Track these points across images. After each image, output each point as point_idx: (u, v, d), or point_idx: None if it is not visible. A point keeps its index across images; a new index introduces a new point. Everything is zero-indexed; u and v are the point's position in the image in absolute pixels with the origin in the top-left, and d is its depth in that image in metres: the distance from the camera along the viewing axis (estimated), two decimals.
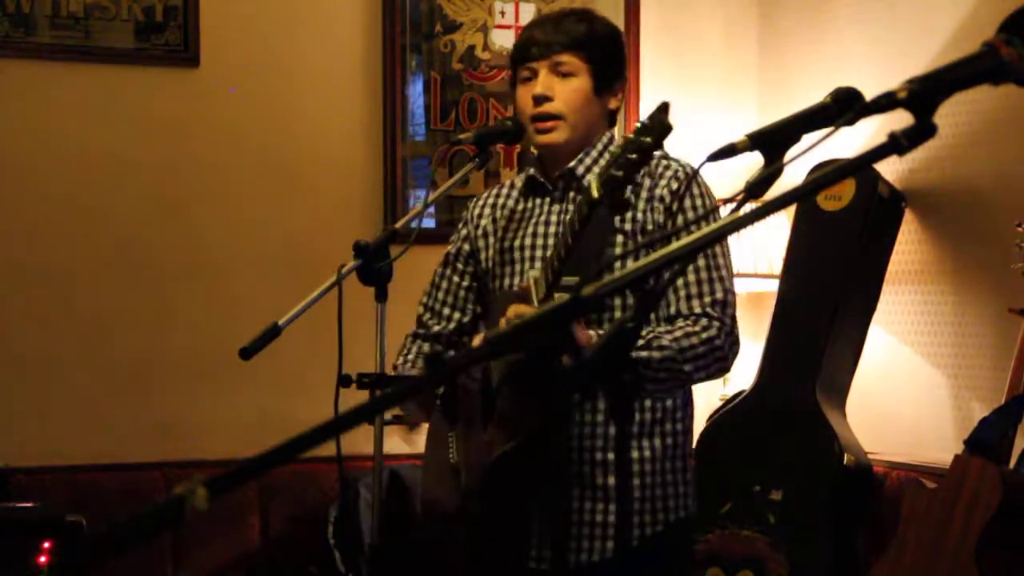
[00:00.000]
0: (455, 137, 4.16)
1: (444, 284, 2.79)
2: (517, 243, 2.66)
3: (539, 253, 2.62)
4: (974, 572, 3.23)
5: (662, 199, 2.55)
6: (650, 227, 2.55)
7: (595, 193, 2.31)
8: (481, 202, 2.80)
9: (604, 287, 1.23)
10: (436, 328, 2.78)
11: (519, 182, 2.75)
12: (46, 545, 3.23)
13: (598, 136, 2.64)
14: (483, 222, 2.75)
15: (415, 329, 2.83)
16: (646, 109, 4.70)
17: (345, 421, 1.14)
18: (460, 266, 2.77)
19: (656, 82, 4.76)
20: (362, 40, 4.46)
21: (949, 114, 3.82)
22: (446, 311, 2.78)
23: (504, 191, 2.78)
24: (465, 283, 2.77)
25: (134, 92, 4.23)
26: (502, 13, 4.60)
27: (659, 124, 2.26)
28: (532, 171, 2.69)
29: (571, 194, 2.62)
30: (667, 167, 2.59)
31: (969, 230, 3.95)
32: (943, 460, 3.50)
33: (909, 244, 4.12)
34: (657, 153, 2.34)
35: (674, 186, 2.56)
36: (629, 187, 2.32)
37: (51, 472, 3.96)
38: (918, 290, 4.11)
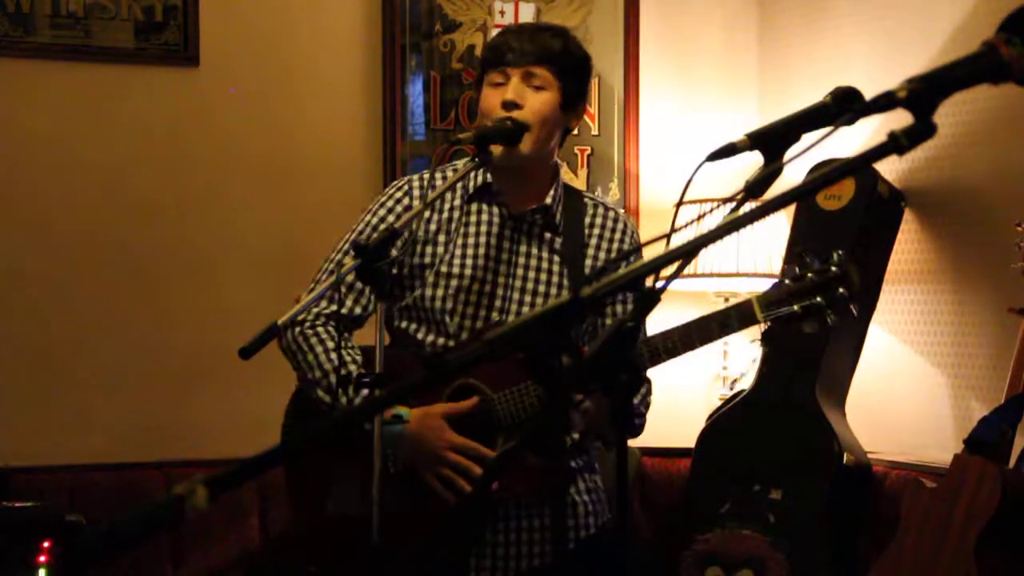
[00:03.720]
0: (455, 136, 4.16)
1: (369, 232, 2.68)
2: (500, 280, 2.66)
3: (528, 299, 2.65)
4: (974, 572, 3.23)
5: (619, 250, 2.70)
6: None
7: (759, 317, 2.34)
8: (422, 187, 2.70)
9: (603, 288, 1.22)
10: (331, 309, 2.66)
11: (470, 184, 2.70)
12: (46, 545, 3.23)
13: (555, 155, 2.70)
14: (434, 216, 2.69)
15: (313, 305, 2.63)
16: (646, 109, 4.72)
17: (345, 421, 1.13)
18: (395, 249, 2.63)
19: (656, 82, 4.76)
20: (362, 40, 4.45)
21: (949, 114, 3.82)
22: (355, 294, 2.67)
23: (450, 196, 2.72)
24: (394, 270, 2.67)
25: (134, 92, 4.23)
26: (502, 13, 4.60)
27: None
28: (488, 178, 2.69)
29: (547, 235, 2.68)
30: (611, 216, 2.75)
31: (969, 230, 3.95)
32: (943, 460, 3.50)
33: (909, 244, 4.12)
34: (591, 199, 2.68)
35: (625, 249, 2.73)
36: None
37: (51, 472, 3.95)
38: (918, 290, 4.10)
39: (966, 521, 3.27)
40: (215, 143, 4.31)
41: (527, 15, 4.58)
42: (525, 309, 2.65)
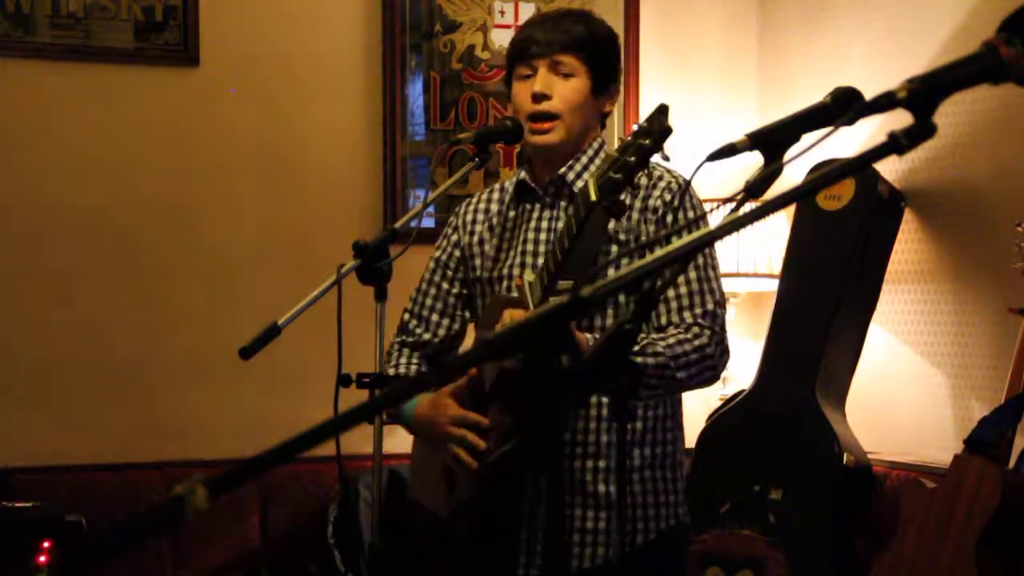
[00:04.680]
0: (455, 137, 4.16)
1: (433, 291, 2.75)
2: (510, 251, 2.64)
3: (529, 260, 2.60)
4: (974, 572, 3.23)
5: (655, 210, 2.56)
6: (643, 237, 2.54)
7: (593, 196, 2.30)
8: (472, 207, 2.75)
9: (603, 288, 1.22)
10: (424, 336, 2.74)
11: (510, 187, 2.71)
12: (46, 545, 3.23)
13: (590, 139, 2.64)
14: (478, 228, 2.71)
15: (400, 337, 2.77)
16: (646, 109, 4.71)
17: (345, 421, 1.13)
18: (450, 272, 2.73)
19: (656, 82, 4.76)
20: (362, 40, 4.45)
21: (949, 114, 3.82)
22: (435, 317, 2.74)
23: (496, 196, 2.74)
24: (455, 290, 2.73)
25: (134, 92, 4.23)
26: (502, 13, 4.60)
27: (658, 126, 2.25)
28: (523, 175, 2.66)
29: (562, 202, 2.61)
30: (660, 177, 2.59)
31: (969, 230, 3.95)
32: (943, 460, 3.50)
33: (909, 244, 4.12)
34: (653, 159, 2.33)
35: (667, 197, 2.56)
36: (627, 190, 2.32)
37: (51, 472, 3.96)
38: (918, 290, 4.11)
39: (966, 521, 3.28)
40: (215, 143, 4.30)
41: (527, 15, 4.57)
42: (519, 273, 2.61)
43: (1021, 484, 3.29)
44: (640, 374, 2.39)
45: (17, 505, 3.46)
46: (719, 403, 4.33)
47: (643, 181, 2.55)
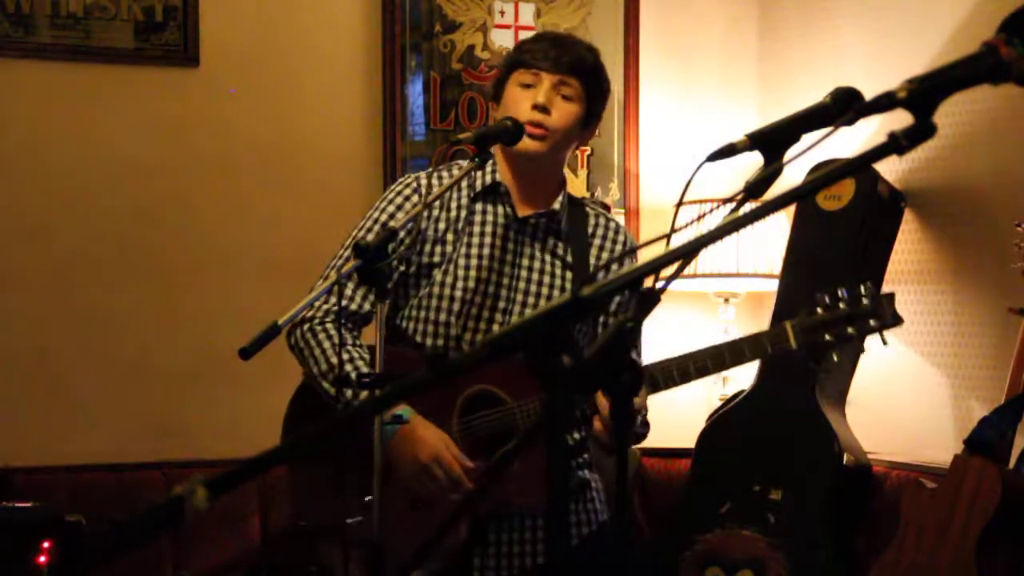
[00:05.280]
0: (455, 137, 4.15)
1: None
2: (504, 282, 2.67)
3: (531, 300, 2.66)
4: (974, 572, 3.23)
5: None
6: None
7: (792, 344, 2.35)
8: (432, 183, 2.70)
9: (603, 288, 1.22)
10: (350, 307, 2.66)
11: (476, 183, 2.70)
12: (46, 545, 3.23)
13: (562, 165, 2.73)
14: (435, 212, 2.68)
15: (319, 302, 2.64)
16: (646, 109, 4.72)
17: (345, 421, 1.13)
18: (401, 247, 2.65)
19: (656, 82, 4.76)
20: (362, 40, 4.46)
21: (949, 114, 3.82)
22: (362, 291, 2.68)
23: (455, 191, 2.71)
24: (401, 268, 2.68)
25: (134, 92, 4.23)
26: (502, 13, 4.60)
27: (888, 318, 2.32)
28: (497, 178, 2.69)
29: (551, 240, 2.69)
30: (618, 230, 2.79)
31: (969, 230, 3.95)
32: (943, 460, 3.50)
33: (909, 244, 4.12)
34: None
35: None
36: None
37: (51, 472, 3.96)
38: (918, 290, 4.10)
39: (966, 521, 3.27)
40: (215, 143, 4.30)
41: (527, 15, 4.58)
42: (528, 311, 2.66)
43: (1021, 484, 3.28)
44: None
45: (17, 505, 3.46)
46: (719, 403, 4.33)
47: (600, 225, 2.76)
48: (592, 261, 2.71)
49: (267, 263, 4.30)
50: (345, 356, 2.60)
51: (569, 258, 2.69)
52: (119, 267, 4.20)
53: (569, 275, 2.67)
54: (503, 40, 4.56)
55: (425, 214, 2.69)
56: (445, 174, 2.73)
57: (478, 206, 2.70)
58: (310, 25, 4.41)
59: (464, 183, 2.72)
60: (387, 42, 4.45)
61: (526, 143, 2.60)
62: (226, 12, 4.31)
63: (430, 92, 4.53)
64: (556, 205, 2.69)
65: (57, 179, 4.15)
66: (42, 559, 3.21)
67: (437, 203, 2.70)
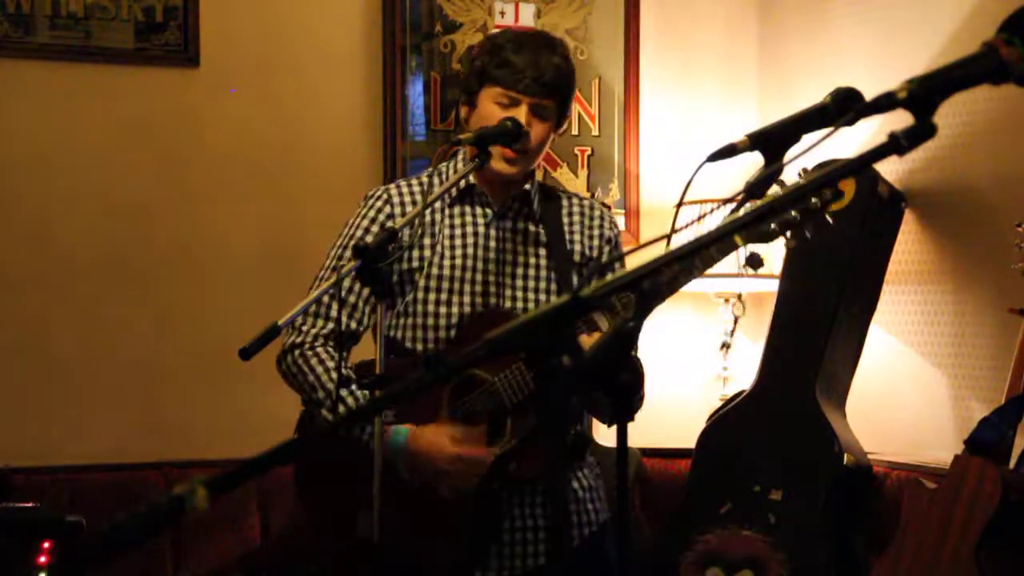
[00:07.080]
0: (455, 137, 4.16)
1: (357, 287, 2.67)
2: (491, 279, 2.68)
3: (519, 295, 2.68)
4: (974, 572, 3.23)
5: (609, 240, 2.77)
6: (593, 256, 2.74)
7: (740, 243, 2.34)
8: (401, 195, 2.72)
9: (603, 287, 1.22)
10: (328, 328, 2.65)
11: (453, 189, 2.71)
12: (46, 545, 3.23)
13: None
14: (416, 220, 2.67)
15: (305, 327, 2.64)
16: (646, 109, 4.72)
17: (345, 421, 1.13)
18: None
19: (656, 82, 4.76)
20: (362, 40, 4.45)
21: (949, 114, 3.82)
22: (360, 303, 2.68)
23: (438, 205, 2.72)
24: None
25: (134, 92, 4.23)
26: (502, 13, 4.60)
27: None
28: (473, 181, 2.71)
29: (529, 227, 2.72)
30: (594, 208, 2.80)
31: (969, 230, 3.95)
32: (943, 460, 3.50)
33: (909, 244, 4.12)
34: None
35: (612, 232, 2.78)
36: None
37: (51, 472, 3.95)
38: (918, 290, 4.10)
39: (966, 521, 3.28)
40: (215, 144, 4.30)
41: (527, 15, 4.58)
42: (519, 305, 2.66)
43: (1021, 484, 3.28)
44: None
45: (17, 505, 3.46)
46: (719, 403, 4.34)
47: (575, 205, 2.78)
48: (576, 248, 2.72)
49: (268, 263, 4.30)
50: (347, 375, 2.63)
51: (544, 238, 2.70)
52: (119, 267, 4.20)
53: (553, 263, 2.69)
54: None
55: (401, 220, 2.69)
56: (415, 181, 2.77)
57: (456, 209, 2.72)
58: (310, 26, 4.41)
59: (437, 187, 2.72)
60: (387, 42, 4.45)
61: (503, 166, 2.62)
62: (226, 12, 4.31)
63: (430, 92, 4.53)
64: (527, 186, 2.71)
65: (57, 179, 4.15)
66: (42, 559, 3.21)
67: (410, 208, 2.70)
